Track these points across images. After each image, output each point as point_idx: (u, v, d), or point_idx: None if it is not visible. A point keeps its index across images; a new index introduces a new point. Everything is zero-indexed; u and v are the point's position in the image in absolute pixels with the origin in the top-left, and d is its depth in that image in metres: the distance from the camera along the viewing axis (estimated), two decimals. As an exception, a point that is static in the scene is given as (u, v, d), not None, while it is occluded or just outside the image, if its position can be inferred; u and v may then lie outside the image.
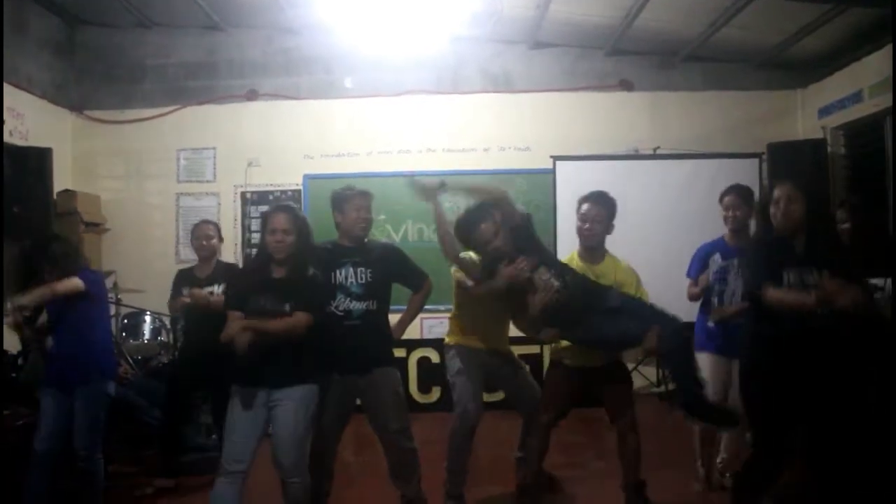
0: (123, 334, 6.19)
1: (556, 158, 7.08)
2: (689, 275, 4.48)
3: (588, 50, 7.53)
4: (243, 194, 7.52)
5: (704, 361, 4.29)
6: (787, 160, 6.61)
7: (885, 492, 3.30)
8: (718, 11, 6.20)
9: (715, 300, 4.32)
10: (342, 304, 3.79)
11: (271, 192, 7.47)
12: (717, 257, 4.34)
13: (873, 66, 6.16)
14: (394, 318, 4.08)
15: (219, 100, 7.62)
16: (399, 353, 6.50)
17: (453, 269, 4.15)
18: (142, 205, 7.62)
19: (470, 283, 4.01)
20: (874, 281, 3.56)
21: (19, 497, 3.84)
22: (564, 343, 3.94)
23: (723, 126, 7.37)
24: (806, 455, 3.43)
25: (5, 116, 6.22)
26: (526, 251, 3.77)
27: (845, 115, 6.67)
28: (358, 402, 3.94)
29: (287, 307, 3.43)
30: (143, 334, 6.20)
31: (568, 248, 6.70)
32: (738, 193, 4.31)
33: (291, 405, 3.40)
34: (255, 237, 7.10)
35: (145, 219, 7.57)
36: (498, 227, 3.81)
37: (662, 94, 7.51)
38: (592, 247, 3.98)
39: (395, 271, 4.00)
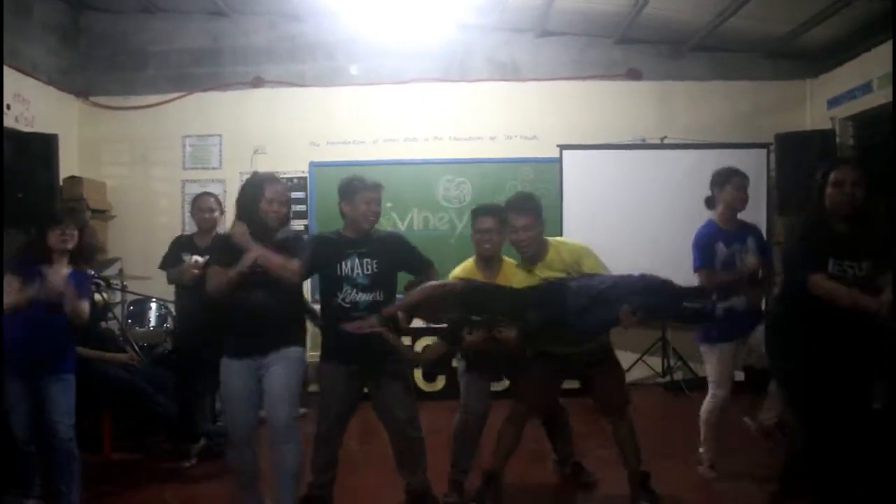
0: (129, 321, 6.19)
1: (562, 147, 7.05)
2: (700, 265, 4.31)
3: (596, 38, 7.49)
4: (249, 181, 7.49)
5: (711, 352, 4.33)
6: (795, 151, 6.58)
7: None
8: (727, 0, 6.15)
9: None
10: (349, 295, 3.77)
11: (277, 180, 7.44)
12: (720, 246, 4.28)
13: (883, 56, 6.11)
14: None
15: (224, 86, 7.60)
16: (405, 341, 6.55)
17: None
18: (147, 192, 7.61)
19: None
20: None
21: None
22: None
23: (731, 116, 7.34)
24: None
25: (11, 102, 6.23)
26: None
27: (855, 105, 6.62)
28: (365, 390, 3.94)
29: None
30: (149, 321, 6.20)
31: (574, 236, 6.70)
32: (743, 176, 4.35)
33: (282, 365, 3.54)
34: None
35: (151, 206, 7.57)
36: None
37: (670, 83, 7.47)
38: (531, 255, 3.87)
39: (401, 260, 3.97)
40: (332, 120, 7.52)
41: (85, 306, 3.82)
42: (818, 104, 7.20)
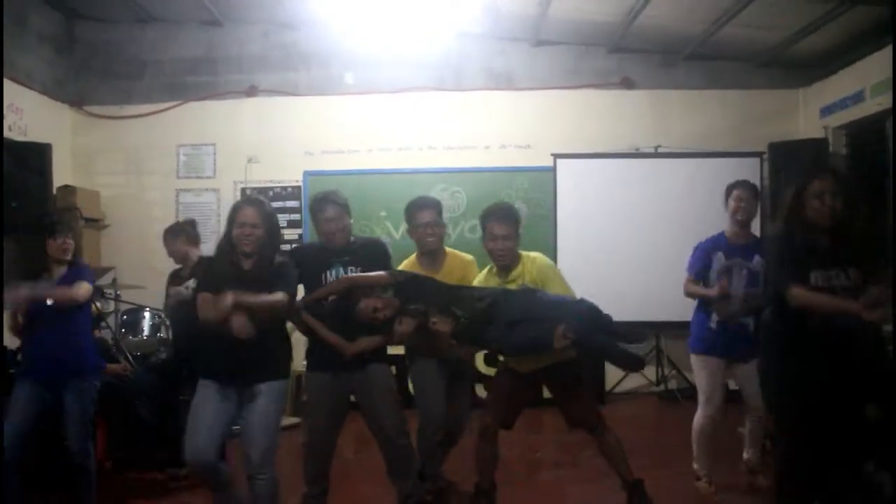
0: (123, 330, 6.15)
1: (557, 156, 7.07)
2: (689, 271, 4.36)
3: (590, 48, 7.51)
4: (243, 190, 7.47)
5: (701, 364, 4.31)
6: (788, 159, 6.60)
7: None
8: (720, 10, 6.18)
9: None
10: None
11: (271, 189, 7.44)
12: (720, 256, 4.23)
13: (875, 65, 6.14)
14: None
15: (218, 95, 7.60)
16: (398, 349, 6.54)
17: None
18: (141, 201, 7.60)
19: None
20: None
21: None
22: None
23: (724, 125, 7.36)
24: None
25: (5, 112, 6.21)
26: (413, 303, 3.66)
27: (847, 114, 6.65)
28: (352, 398, 3.93)
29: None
30: (143, 330, 6.15)
31: (568, 245, 6.82)
32: (748, 187, 4.27)
33: (265, 400, 3.42)
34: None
35: (145, 215, 7.54)
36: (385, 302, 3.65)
37: (664, 92, 7.49)
38: (505, 265, 3.82)
39: (384, 266, 3.94)
40: (327, 129, 7.52)
41: (84, 289, 3.89)
42: (811, 113, 7.23)
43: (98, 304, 5.89)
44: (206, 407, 3.40)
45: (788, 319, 3.21)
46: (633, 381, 7.20)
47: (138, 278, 6.60)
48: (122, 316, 6.35)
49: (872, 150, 6.50)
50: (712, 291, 4.19)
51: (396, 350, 4.09)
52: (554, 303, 3.52)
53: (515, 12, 6.89)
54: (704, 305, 4.31)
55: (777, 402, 3.37)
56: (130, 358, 5.64)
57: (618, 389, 7.11)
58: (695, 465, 4.40)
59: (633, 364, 3.59)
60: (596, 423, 3.83)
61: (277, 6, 7.06)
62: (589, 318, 3.42)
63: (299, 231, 7.33)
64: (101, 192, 7.47)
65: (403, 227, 7.19)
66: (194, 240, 5.04)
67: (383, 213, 7.20)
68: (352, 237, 3.94)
